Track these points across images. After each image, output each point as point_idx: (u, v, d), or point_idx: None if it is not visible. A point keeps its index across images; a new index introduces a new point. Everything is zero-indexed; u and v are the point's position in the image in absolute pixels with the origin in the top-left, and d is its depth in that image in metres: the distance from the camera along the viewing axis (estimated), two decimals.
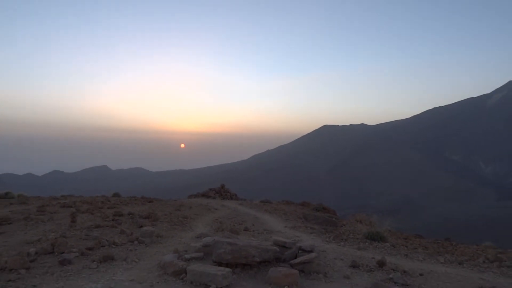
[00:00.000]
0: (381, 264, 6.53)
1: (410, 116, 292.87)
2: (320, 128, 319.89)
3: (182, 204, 15.49)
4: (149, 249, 7.07)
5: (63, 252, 6.04)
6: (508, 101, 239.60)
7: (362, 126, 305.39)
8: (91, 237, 7.34)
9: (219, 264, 5.59)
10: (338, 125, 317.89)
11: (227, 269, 5.13)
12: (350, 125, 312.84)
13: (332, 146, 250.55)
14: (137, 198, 17.15)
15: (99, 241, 6.87)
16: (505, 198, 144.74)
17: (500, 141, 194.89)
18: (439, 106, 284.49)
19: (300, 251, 6.39)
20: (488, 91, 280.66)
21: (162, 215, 11.55)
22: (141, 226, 9.07)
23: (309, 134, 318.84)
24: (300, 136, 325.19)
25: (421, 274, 6.26)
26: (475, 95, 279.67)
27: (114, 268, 5.65)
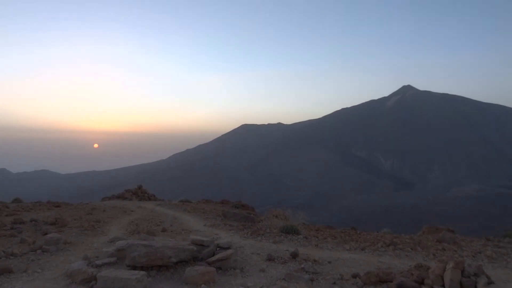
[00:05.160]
0: (294, 255, 6.96)
1: (321, 116, 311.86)
2: (239, 127, 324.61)
3: (94, 207, 14.55)
4: (55, 257, 6.53)
5: None
6: (402, 104, 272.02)
7: (279, 125, 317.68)
8: None
9: (134, 268, 5.41)
10: (256, 124, 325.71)
11: (142, 272, 5.00)
12: (268, 124, 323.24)
13: (251, 144, 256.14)
14: (42, 203, 15.80)
15: None
16: (400, 189, 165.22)
17: (396, 139, 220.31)
18: (346, 107, 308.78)
19: (218, 249, 6.48)
20: (386, 94, 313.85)
21: (72, 220, 10.75)
22: (46, 234, 8.31)
23: (228, 133, 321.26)
24: (220, 135, 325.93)
25: (329, 262, 6.82)
26: (376, 98, 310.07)
27: (12, 282, 5.13)
